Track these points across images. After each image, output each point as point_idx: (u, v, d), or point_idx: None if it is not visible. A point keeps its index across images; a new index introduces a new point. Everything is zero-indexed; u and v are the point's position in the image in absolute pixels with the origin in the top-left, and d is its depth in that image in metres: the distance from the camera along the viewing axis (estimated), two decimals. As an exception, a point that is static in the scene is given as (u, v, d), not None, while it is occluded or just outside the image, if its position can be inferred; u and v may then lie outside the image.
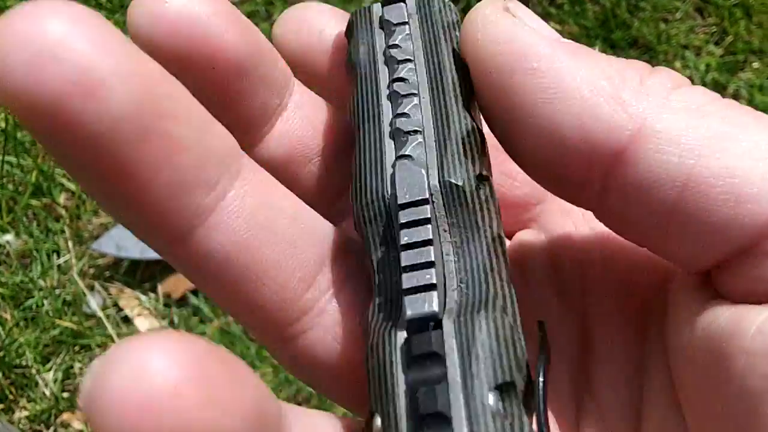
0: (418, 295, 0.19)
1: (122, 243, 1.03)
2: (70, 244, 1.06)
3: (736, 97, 1.09)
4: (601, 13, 1.10)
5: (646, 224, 0.20)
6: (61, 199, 1.08)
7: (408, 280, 0.19)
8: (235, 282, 0.21)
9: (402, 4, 0.24)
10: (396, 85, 0.22)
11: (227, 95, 0.23)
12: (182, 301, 1.03)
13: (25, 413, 0.99)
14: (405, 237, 0.20)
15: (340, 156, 0.25)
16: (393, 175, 0.21)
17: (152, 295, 1.04)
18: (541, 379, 0.19)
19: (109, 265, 1.06)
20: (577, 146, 0.20)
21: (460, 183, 0.21)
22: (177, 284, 1.03)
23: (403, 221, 0.20)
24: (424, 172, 0.21)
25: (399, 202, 0.20)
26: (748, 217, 0.18)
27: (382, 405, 0.18)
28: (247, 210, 0.21)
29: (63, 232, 1.07)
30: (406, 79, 0.22)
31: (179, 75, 0.19)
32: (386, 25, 0.24)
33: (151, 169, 0.18)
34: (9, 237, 1.07)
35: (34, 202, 1.07)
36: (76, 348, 1.02)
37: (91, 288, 1.05)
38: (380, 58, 0.23)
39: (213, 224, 0.20)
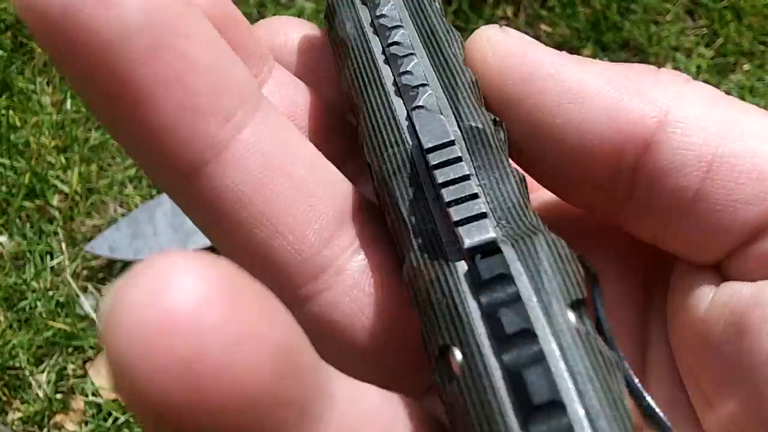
0: (470, 225, 0.19)
1: (115, 245, 1.04)
2: (63, 245, 1.06)
3: (726, 98, 1.10)
4: (592, 15, 1.11)
5: (670, 213, 0.21)
6: (55, 201, 1.08)
7: (457, 213, 0.19)
8: (247, 227, 0.20)
9: None
10: (392, 49, 0.23)
11: None
12: (175, 303, 1.04)
13: (19, 415, 0.99)
14: (441, 176, 0.20)
15: (326, 134, 0.25)
16: (411, 126, 0.21)
17: (145, 296, 1.04)
18: (600, 301, 0.20)
19: (102, 267, 1.06)
20: (608, 139, 0.20)
21: (480, 126, 0.21)
22: (170, 286, 1.04)
23: (435, 163, 0.20)
24: (443, 117, 0.21)
25: (425, 147, 0.20)
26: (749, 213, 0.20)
27: (458, 334, 0.18)
28: (265, 149, 0.19)
29: (56, 233, 1.07)
30: (401, 43, 0.23)
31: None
32: (369, 0, 0.24)
33: (161, 87, 0.17)
34: (2, 239, 1.07)
35: (27, 203, 1.07)
36: (70, 349, 1.02)
37: (85, 290, 1.05)
38: (369, 29, 0.23)
39: (227, 159, 0.19)
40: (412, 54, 0.22)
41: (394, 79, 0.22)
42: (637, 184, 0.21)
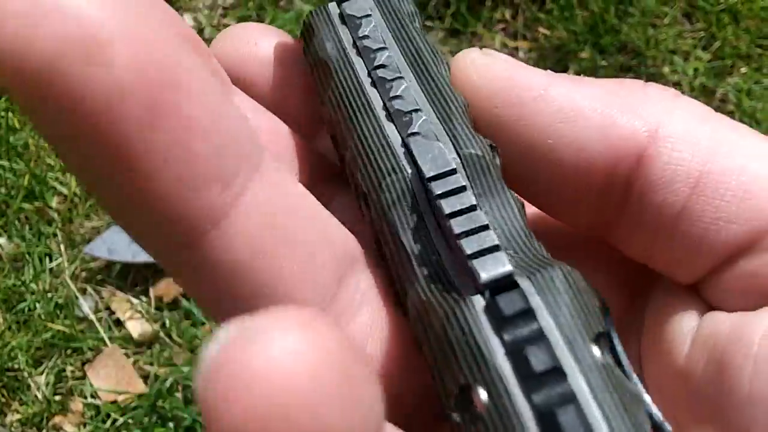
0: (484, 257, 0.18)
1: (114, 246, 1.04)
2: (62, 247, 1.07)
3: (724, 101, 1.10)
4: (590, 18, 1.11)
5: (658, 229, 0.21)
6: (54, 202, 1.08)
7: (469, 245, 0.18)
8: (246, 296, 0.18)
9: None
10: (379, 72, 0.22)
11: None
12: (174, 305, 1.04)
13: (17, 416, 0.99)
14: (448, 206, 0.19)
15: (296, 164, 0.24)
16: (409, 153, 0.20)
17: (144, 298, 1.04)
18: (613, 332, 0.19)
19: (101, 269, 1.06)
20: (602, 156, 0.20)
21: (479, 153, 0.21)
22: (169, 288, 1.04)
23: (439, 192, 0.19)
24: (441, 145, 0.20)
25: (427, 176, 0.19)
26: (755, 212, 0.20)
27: (481, 372, 0.17)
28: (268, 212, 0.18)
29: (55, 235, 1.07)
30: (387, 65, 0.22)
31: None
32: (350, 20, 0.23)
33: (159, 156, 0.15)
34: (1, 240, 1.07)
35: (26, 205, 1.08)
36: (68, 351, 1.02)
37: (83, 291, 1.05)
38: (352, 50, 0.23)
39: (226, 228, 0.17)
40: (400, 77, 0.22)
41: (384, 104, 0.21)
42: (629, 200, 0.21)
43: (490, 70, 0.21)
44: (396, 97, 0.21)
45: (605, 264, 0.24)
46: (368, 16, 0.23)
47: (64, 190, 1.09)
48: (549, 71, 0.22)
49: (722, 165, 0.20)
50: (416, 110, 0.21)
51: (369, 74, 0.22)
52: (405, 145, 0.21)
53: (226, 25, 1.17)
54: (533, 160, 0.21)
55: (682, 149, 0.20)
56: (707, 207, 0.20)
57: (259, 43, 0.24)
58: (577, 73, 1.10)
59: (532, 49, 1.14)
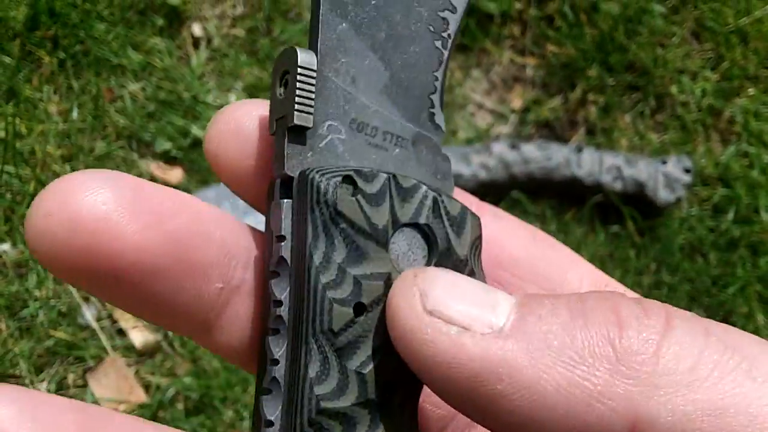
0: None
1: (119, 255, 1.04)
2: (66, 255, 1.06)
3: (731, 122, 1.10)
4: (598, 36, 1.11)
5: None
6: (59, 209, 1.08)
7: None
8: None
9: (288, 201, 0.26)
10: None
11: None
12: (177, 314, 1.03)
13: (17, 424, 0.99)
14: None
15: None
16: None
17: (147, 307, 1.04)
18: None
19: (104, 277, 1.06)
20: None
21: None
22: (172, 297, 1.04)
23: None
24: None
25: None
26: None
27: None
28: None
29: (59, 242, 1.07)
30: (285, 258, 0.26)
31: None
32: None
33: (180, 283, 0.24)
34: (5, 246, 1.07)
35: (31, 212, 1.07)
36: (70, 359, 1.02)
37: (87, 300, 1.05)
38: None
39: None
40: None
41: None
42: None
43: (433, 349, 0.21)
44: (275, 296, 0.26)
45: None
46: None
47: (70, 198, 1.08)
48: (494, 322, 0.21)
49: None
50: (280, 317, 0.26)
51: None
52: None
53: (234, 35, 1.17)
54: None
55: None
56: None
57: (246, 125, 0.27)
58: (585, 91, 1.10)
59: (540, 66, 1.14)
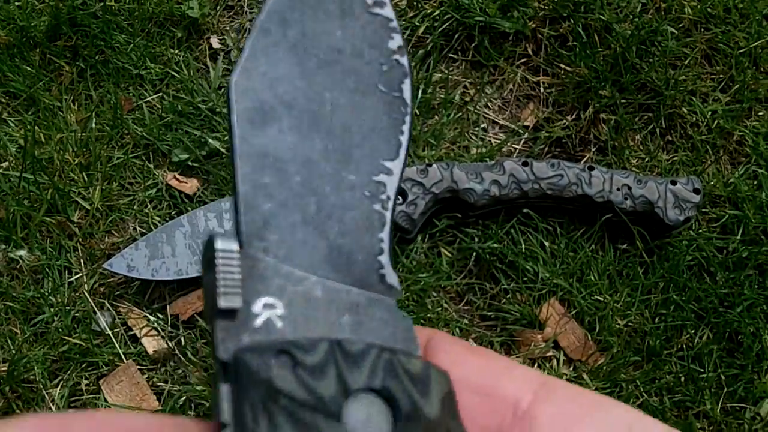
0: None
1: (133, 263, 1.05)
2: (82, 262, 1.08)
3: (741, 144, 1.11)
4: (611, 56, 1.13)
5: None
6: (76, 217, 1.10)
7: None
8: None
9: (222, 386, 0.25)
10: None
11: None
12: (190, 323, 1.05)
13: (30, 428, 1.00)
14: None
15: None
16: None
17: (161, 315, 1.05)
18: None
19: (119, 285, 1.07)
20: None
21: None
22: (185, 306, 1.05)
23: None
24: None
25: None
26: None
27: None
28: None
29: (75, 250, 1.09)
30: None
31: None
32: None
33: None
34: (22, 252, 1.08)
35: (48, 219, 1.09)
36: (84, 365, 1.03)
37: (101, 306, 1.06)
38: None
39: None
40: None
41: None
42: None
43: None
44: None
45: None
46: None
47: (86, 205, 1.10)
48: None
49: None
50: None
51: None
52: None
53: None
54: None
55: None
56: None
57: None
58: (597, 111, 1.11)
59: (553, 85, 1.15)
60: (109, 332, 1.04)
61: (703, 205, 1.07)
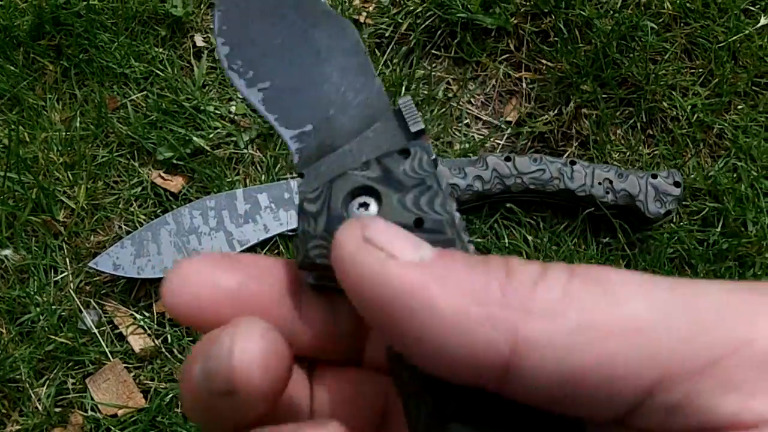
0: None
1: (119, 262, 1.05)
2: (67, 260, 1.08)
3: (720, 137, 1.13)
4: (592, 52, 1.14)
5: (545, 404, 0.24)
6: (61, 216, 1.10)
7: None
8: None
9: None
10: None
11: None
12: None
13: (17, 427, 1.00)
14: None
15: None
16: None
17: (147, 313, 1.06)
18: None
19: (105, 283, 1.07)
20: (465, 362, 0.24)
21: None
22: (172, 303, 1.05)
23: None
24: None
25: None
26: (621, 395, 0.23)
27: None
28: None
29: (61, 248, 1.09)
30: None
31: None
32: None
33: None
34: (8, 252, 1.08)
35: (33, 218, 1.09)
36: (70, 364, 1.03)
37: (87, 305, 1.06)
38: None
39: None
40: None
41: None
42: (507, 389, 0.24)
43: (369, 276, 0.25)
44: None
45: None
46: None
47: (72, 204, 1.10)
48: (427, 258, 0.25)
49: (584, 362, 0.23)
50: None
51: None
52: None
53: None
54: (417, 357, 0.25)
55: (545, 357, 0.23)
56: (580, 400, 0.24)
57: (218, 283, 0.29)
58: (579, 106, 1.12)
59: (535, 81, 1.16)
60: (96, 331, 1.04)
61: (684, 198, 1.08)
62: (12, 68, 1.17)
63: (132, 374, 1.03)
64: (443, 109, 1.15)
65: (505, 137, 1.15)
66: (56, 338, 1.03)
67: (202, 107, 1.14)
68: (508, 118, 1.15)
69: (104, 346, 1.04)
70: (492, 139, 1.14)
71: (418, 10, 1.18)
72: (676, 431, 0.23)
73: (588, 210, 1.05)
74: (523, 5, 1.17)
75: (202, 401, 0.26)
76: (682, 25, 1.17)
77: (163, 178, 1.12)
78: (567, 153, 1.12)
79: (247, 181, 1.11)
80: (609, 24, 1.15)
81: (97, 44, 1.18)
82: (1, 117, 1.16)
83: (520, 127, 1.14)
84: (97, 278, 1.07)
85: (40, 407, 1.01)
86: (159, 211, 1.11)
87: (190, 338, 1.04)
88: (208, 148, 1.12)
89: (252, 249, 1.06)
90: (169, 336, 1.04)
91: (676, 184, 1.04)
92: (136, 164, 1.13)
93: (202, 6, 1.22)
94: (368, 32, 1.19)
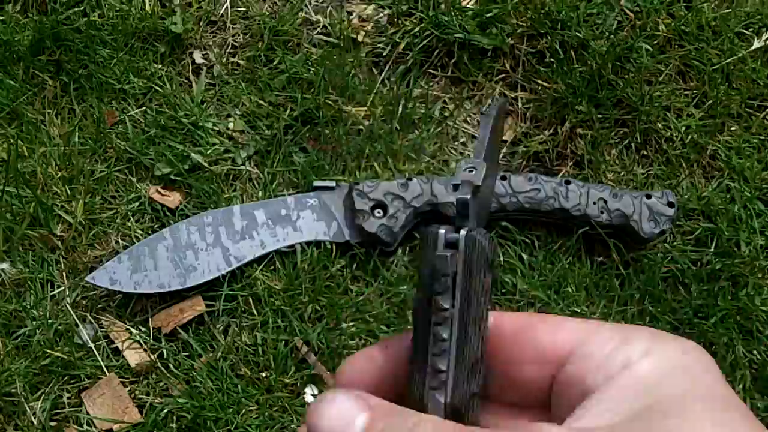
0: None
1: (116, 276, 1.06)
2: (64, 275, 1.09)
3: (714, 158, 1.14)
4: (587, 72, 1.15)
5: None
6: (58, 230, 1.10)
7: None
8: None
9: (452, 252, 0.33)
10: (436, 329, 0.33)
11: None
12: (172, 336, 1.05)
13: (12, 441, 1.00)
14: None
15: None
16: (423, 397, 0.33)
17: (143, 328, 1.06)
18: None
19: (101, 298, 1.08)
20: None
21: (459, 407, 0.32)
22: (168, 319, 1.06)
23: None
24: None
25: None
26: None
27: None
28: None
29: (58, 263, 1.09)
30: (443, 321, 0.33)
31: None
32: (436, 273, 0.33)
33: None
34: (5, 265, 1.09)
35: (30, 232, 1.10)
36: (66, 378, 1.03)
37: (84, 319, 1.07)
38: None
39: None
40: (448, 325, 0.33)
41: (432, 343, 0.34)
42: None
43: None
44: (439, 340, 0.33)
45: None
46: (447, 275, 0.33)
47: (69, 219, 1.11)
48: None
49: None
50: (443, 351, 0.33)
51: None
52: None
53: (235, 63, 1.20)
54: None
55: None
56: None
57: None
58: (574, 126, 1.13)
59: (531, 100, 1.18)
60: (92, 345, 1.05)
61: (678, 218, 1.09)
62: (12, 83, 1.18)
63: (128, 389, 1.03)
64: (439, 128, 1.16)
65: (500, 156, 1.16)
66: (52, 352, 1.03)
67: (200, 123, 1.14)
68: (503, 138, 1.16)
69: (100, 360, 1.04)
70: (488, 158, 1.15)
71: (415, 30, 1.19)
72: None
73: (583, 229, 1.06)
74: (519, 26, 1.18)
75: None
76: (676, 47, 1.19)
77: (160, 193, 1.12)
78: (562, 172, 1.13)
79: (245, 197, 1.12)
80: (604, 45, 1.16)
81: (97, 60, 1.19)
82: (0, 131, 1.16)
83: (515, 147, 1.16)
84: (94, 293, 1.08)
85: (35, 421, 1.01)
86: (156, 226, 1.11)
87: (186, 353, 1.04)
88: (205, 164, 1.12)
89: (248, 265, 1.07)
90: (164, 351, 1.04)
91: (670, 204, 1.05)
92: (134, 179, 1.14)
93: (201, 23, 1.23)
94: (366, 51, 1.21)
